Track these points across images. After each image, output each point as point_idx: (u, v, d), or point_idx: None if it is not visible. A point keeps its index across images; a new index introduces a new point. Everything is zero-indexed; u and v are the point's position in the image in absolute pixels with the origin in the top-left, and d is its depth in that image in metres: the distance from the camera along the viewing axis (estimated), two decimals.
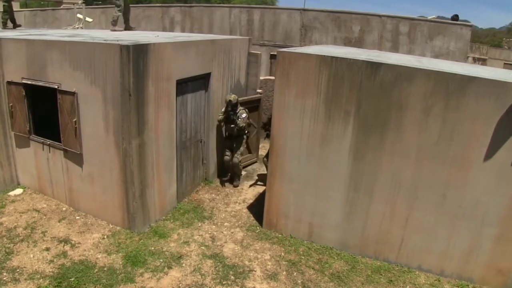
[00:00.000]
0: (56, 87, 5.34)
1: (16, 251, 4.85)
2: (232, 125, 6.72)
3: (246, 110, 6.86)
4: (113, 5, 9.06)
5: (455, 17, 12.19)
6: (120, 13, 8.50)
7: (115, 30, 8.47)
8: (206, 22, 14.22)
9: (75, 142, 5.41)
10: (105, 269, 4.63)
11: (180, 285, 4.48)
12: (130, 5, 9.05)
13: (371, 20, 11.99)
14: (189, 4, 15.53)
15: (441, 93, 4.30)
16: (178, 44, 5.68)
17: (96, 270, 4.60)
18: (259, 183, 7.38)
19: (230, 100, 6.55)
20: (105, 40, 5.11)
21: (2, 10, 8.51)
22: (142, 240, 5.23)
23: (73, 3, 15.19)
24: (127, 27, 8.90)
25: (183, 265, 4.82)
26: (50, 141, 5.82)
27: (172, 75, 5.44)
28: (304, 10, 12.89)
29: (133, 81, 4.74)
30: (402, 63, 4.66)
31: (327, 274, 4.81)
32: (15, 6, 8.17)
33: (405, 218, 4.85)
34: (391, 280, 4.77)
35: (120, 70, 4.70)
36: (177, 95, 5.68)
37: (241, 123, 6.68)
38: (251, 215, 6.09)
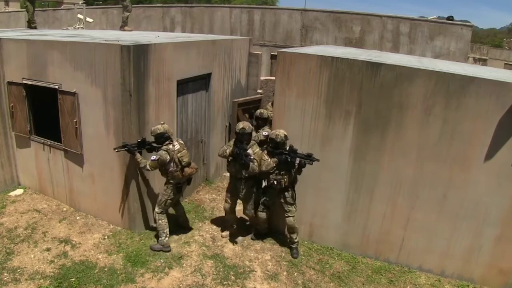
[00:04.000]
0: (56, 87, 5.34)
1: (16, 251, 4.85)
2: None
3: None
4: (120, 6, 9.15)
5: (450, 18, 12.22)
6: (128, 13, 8.60)
7: (125, 30, 8.55)
8: (206, 23, 14.22)
9: (76, 143, 5.41)
10: (106, 269, 4.63)
11: (181, 285, 4.48)
12: (132, 6, 9.13)
13: (371, 20, 11.98)
14: (190, 5, 15.54)
15: (442, 93, 4.30)
16: (179, 45, 5.68)
17: (97, 270, 4.60)
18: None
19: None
20: (105, 41, 5.11)
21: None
22: (142, 241, 5.23)
23: (74, 3, 15.20)
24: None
25: (184, 265, 4.81)
26: (51, 141, 5.82)
27: (172, 75, 5.44)
28: (305, 10, 12.88)
29: (134, 81, 4.74)
30: (403, 63, 4.66)
31: (327, 275, 4.80)
32: (15, 6, 8.17)
33: (406, 218, 4.85)
34: (391, 281, 4.77)
35: (120, 70, 4.70)
36: (177, 96, 5.68)
37: None
38: None
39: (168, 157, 4.65)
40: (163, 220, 4.94)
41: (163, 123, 4.79)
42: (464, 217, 4.59)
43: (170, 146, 4.69)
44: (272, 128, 5.27)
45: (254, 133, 5.38)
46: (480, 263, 4.69)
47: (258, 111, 6.14)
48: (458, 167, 4.45)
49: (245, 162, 4.68)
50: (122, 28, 8.78)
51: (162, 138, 4.70)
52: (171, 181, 4.84)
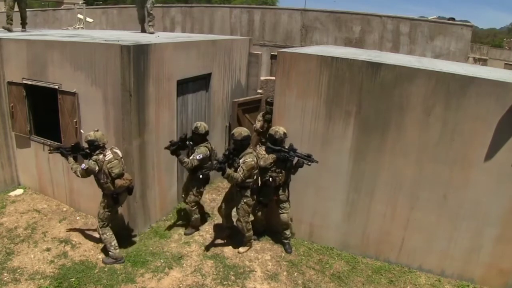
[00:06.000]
0: (56, 87, 5.34)
1: (16, 251, 4.85)
2: None
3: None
4: (139, 6, 8.58)
5: (451, 20, 12.27)
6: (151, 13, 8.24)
7: (153, 32, 8.24)
8: (206, 23, 14.22)
9: None
10: (106, 269, 4.63)
11: (181, 285, 4.48)
12: (130, 6, 8.86)
13: (371, 20, 11.98)
14: (190, 5, 15.53)
15: (442, 93, 4.30)
16: (179, 45, 5.68)
17: (97, 270, 4.60)
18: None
19: None
20: (105, 41, 5.11)
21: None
22: (142, 241, 5.23)
23: (74, 4, 15.21)
24: (143, 29, 8.58)
25: (184, 265, 4.82)
26: (51, 141, 5.82)
27: (172, 76, 5.45)
28: (305, 10, 12.88)
29: (134, 81, 4.74)
30: (403, 64, 4.66)
31: (327, 275, 4.80)
32: (15, 7, 8.07)
33: (406, 219, 4.84)
34: (391, 281, 4.77)
35: (120, 70, 4.70)
36: (177, 96, 5.68)
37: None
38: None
39: (97, 167, 4.39)
40: (107, 234, 4.69)
41: (97, 130, 4.56)
42: (464, 217, 4.59)
43: (100, 156, 4.41)
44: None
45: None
46: (480, 263, 4.69)
47: (195, 124, 5.08)
48: (458, 168, 4.45)
49: (216, 167, 4.30)
50: (151, 30, 8.35)
51: (92, 146, 4.49)
52: (105, 192, 4.60)
